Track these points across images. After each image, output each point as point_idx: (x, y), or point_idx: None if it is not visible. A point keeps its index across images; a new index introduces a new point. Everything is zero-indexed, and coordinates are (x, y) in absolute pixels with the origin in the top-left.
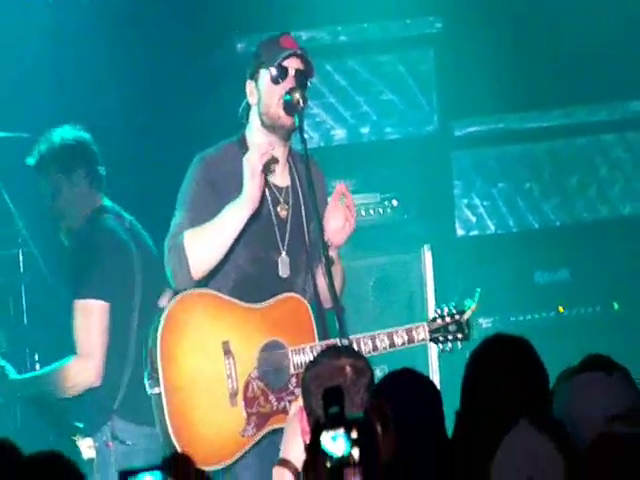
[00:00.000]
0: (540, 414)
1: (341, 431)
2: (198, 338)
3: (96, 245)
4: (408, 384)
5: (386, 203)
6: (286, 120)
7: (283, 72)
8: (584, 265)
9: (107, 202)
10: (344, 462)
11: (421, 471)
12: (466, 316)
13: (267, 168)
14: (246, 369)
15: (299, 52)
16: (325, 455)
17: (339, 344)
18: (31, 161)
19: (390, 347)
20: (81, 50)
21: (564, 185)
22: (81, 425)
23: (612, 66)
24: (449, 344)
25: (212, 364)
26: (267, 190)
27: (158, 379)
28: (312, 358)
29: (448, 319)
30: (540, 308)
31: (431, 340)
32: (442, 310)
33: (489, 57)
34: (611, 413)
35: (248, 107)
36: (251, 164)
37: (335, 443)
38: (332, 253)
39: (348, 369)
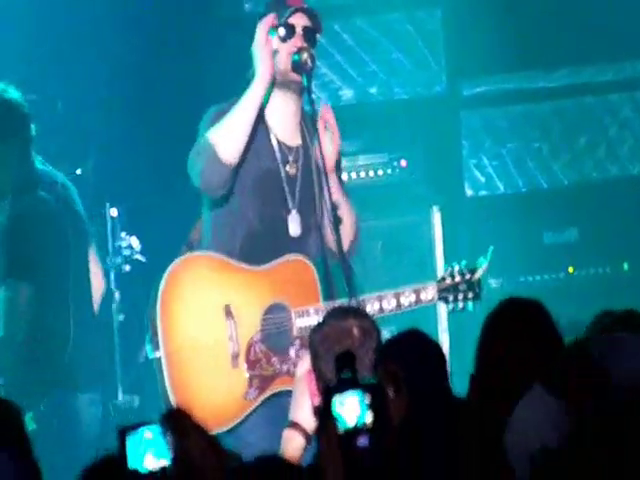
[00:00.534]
0: (554, 378)
1: (354, 396)
2: (199, 300)
3: (27, 228)
4: (414, 347)
5: (395, 163)
6: (295, 77)
7: (290, 30)
8: (593, 225)
9: (39, 164)
10: (357, 427)
11: (431, 433)
12: (478, 275)
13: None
14: (248, 331)
15: (305, 7)
16: (337, 420)
17: (344, 305)
18: None
19: (397, 308)
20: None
21: (573, 145)
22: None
23: (619, 25)
24: (460, 303)
25: (213, 326)
26: (277, 148)
27: (158, 342)
28: (316, 320)
29: (458, 278)
30: (549, 269)
31: (439, 299)
32: (452, 269)
33: (496, 17)
34: None
35: None
36: (257, 38)
37: (347, 407)
38: (343, 206)
39: (355, 330)
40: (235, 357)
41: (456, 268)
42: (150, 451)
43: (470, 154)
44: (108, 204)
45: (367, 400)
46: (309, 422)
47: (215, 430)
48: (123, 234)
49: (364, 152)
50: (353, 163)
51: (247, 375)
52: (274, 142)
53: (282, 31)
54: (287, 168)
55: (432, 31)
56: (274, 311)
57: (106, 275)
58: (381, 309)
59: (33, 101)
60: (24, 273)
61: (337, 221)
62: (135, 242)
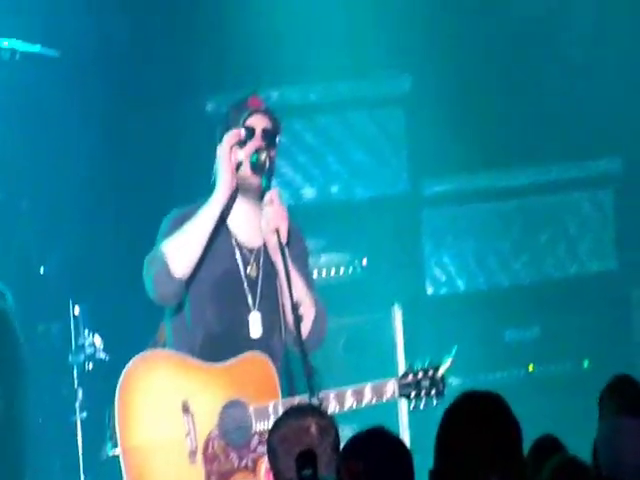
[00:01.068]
0: (510, 471)
1: None
2: (156, 397)
3: None
4: (378, 444)
5: (356, 262)
6: (254, 180)
7: (250, 132)
8: (554, 323)
9: None
10: None
11: None
12: (441, 372)
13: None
14: (206, 427)
15: (264, 109)
16: None
17: (301, 403)
18: None
19: (358, 404)
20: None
21: (533, 243)
22: None
23: (581, 125)
24: (422, 400)
25: (171, 423)
26: (238, 250)
27: (117, 440)
28: (275, 416)
29: (420, 374)
30: (510, 366)
31: (401, 395)
32: (414, 366)
33: (458, 117)
34: None
35: None
36: (220, 150)
37: None
38: (307, 303)
39: (313, 428)
40: (193, 453)
41: (418, 365)
42: None
43: (431, 252)
44: (71, 301)
45: None
46: None
47: None
48: (86, 332)
49: (325, 251)
50: (315, 262)
51: (204, 471)
52: (234, 244)
53: (241, 133)
54: (248, 270)
55: (395, 130)
56: (232, 407)
57: (69, 373)
58: (341, 405)
59: None
60: None
61: (298, 320)
62: (98, 340)
